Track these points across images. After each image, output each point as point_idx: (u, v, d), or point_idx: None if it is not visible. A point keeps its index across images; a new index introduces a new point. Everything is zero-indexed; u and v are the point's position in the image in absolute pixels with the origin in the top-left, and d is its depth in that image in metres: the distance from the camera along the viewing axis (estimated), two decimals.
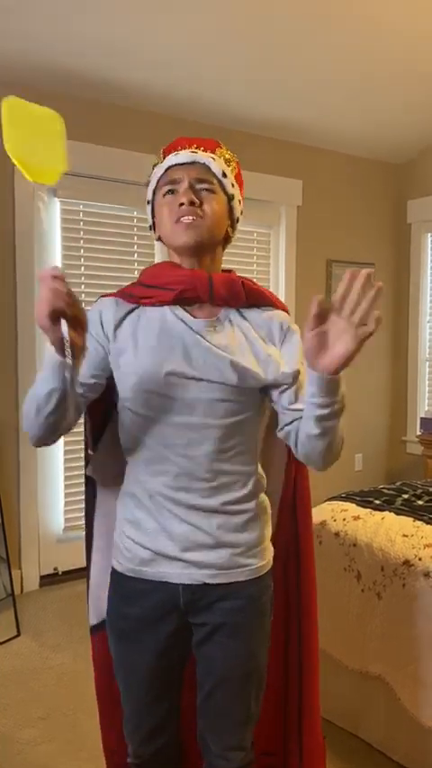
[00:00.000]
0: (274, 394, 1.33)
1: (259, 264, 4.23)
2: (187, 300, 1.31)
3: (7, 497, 3.32)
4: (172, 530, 1.28)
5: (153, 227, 1.39)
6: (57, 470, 3.53)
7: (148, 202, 1.39)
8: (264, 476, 1.40)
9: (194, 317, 1.31)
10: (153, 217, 1.38)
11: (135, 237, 3.68)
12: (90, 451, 1.48)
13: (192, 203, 1.28)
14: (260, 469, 1.39)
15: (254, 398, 1.32)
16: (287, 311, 1.42)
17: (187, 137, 1.42)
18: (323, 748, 1.65)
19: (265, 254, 4.25)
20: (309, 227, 4.37)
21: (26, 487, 3.42)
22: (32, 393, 1.19)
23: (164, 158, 1.37)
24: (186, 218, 1.27)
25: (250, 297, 1.35)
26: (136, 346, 1.29)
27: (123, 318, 1.32)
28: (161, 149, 1.41)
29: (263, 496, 1.38)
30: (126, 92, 3.49)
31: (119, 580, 1.36)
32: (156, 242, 3.66)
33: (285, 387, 1.32)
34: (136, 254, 3.69)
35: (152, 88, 3.50)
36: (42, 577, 3.49)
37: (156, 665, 1.34)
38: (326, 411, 1.19)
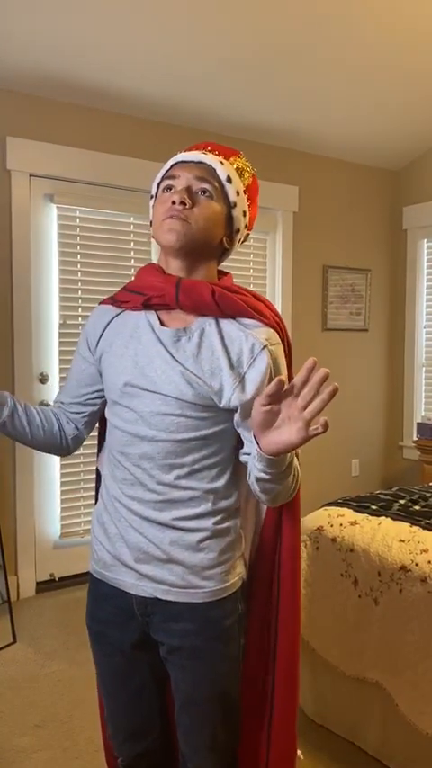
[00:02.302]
0: (234, 417, 1.26)
1: (256, 270, 4.23)
2: (158, 306, 1.29)
3: (4, 503, 3.32)
4: (128, 538, 1.28)
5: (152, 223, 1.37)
6: (53, 477, 3.52)
7: (152, 197, 1.35)
8: (234, 495, 1.32)
9: (164, 326, 1.28)
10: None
11: (132, 243, 3.69)
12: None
13: (182, 203, 1.23)
14: (227, 489, 1.30)
15: (219, 416, 1.25)
16: (276, 324, 1.33)
17: (210, 142, 1.40)
18: None
19: (262, 259, 4.26)
20: (305, 234, 4.38)
21: (23, 494, 3.41)
22: None
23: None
24: (173, 218, 1.24)
25: (223, 306, 1.26)
26: (110, 353, 1.32)
27: (107, 325, 1.35)
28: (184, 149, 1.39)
29: (228, 516, 1.30)
30: (123, 99, 3.51)
31: (91, 580, 1.39)
32: (152, 247, 3.70)
33: (241, 413, 1.24)
34: (132, 261, 3.69)
35: (149, 95, 3.51)
36: (39, 584, 3.48)
37: (126, 668, 1.35)
38: (266, 476, 1.16)
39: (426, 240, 4.72)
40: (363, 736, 2.12)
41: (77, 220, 3.53)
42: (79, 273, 3.55)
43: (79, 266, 3.54)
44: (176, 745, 1.39)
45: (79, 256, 3.54)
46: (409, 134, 4.38)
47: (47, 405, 3.44)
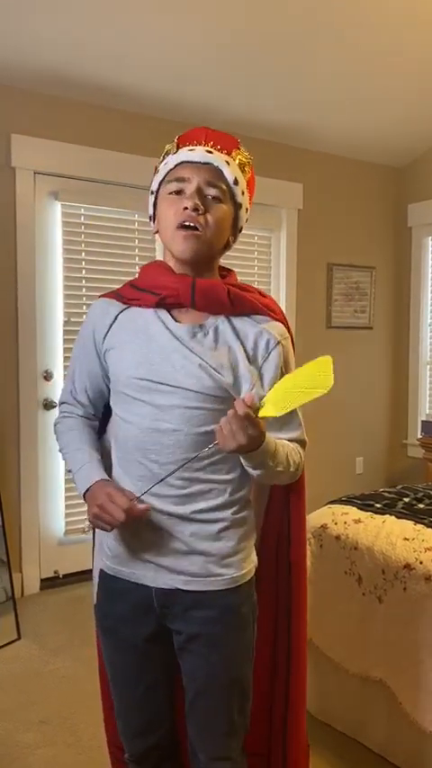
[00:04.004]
0: None
1: (260, 268, 4.23)
2: (171, 305, 1.30)
3: (8, 500, 3.32)
4: (146, 533, 1.29)
5: (153, 217, 1.36)
6: (58, 473, 3.53)
7: (152, 192, 1.35)
8: (246, 486, 1.35)
9: (178, 322, 1.30)
10: (155, 208, 1.35)
11: (136, 241, 3.69)
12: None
13: (196, 209, 1.24)
14: (241, 480, 1.33)
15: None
16: (284, 321, 1.37)
17: (208, 129, 1.35)
18: (307, 754, 1.62)
19: (266, 257, 4.26)
20: (309, 231, 4.38)
21: (27, 490, 3.42)
22: (62, 448, 1.42)
23: (177, 148, 1.32)
24: (188, 223, 1.25)
25: (238, 305, 1.30)
26: (119, 347, 1.33)
27: (114, 320, 1.35)
28: (177, 137, 1.35)
29: (243, 506, 1.34)
30: (127, 96, 3.50)
31: (102, 577, 1.39)
32: (156, 244, 3.70)
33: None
34: (137, 258, 3.69)
35: (153, 92, 3.51)
36: (43, 580, 3.49)
37: (139, 663, 1.36)
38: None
39: (431, 238, 4.70)
40: (367, 733, 2.12)
41: (82, 218, 3.53)
42: (84, 271, 3.55)
43: (83, 264, 3.55)
44: (183, 739, 1.41)
45: (84, 254, 3.54)
46: (414, 131, 4.37)
47: (54, 403, 3.45)
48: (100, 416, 1.45)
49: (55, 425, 1.46)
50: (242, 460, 1.25)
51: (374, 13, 3.12)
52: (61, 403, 1.48)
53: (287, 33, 3.19)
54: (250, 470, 1.27)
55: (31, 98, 3.34)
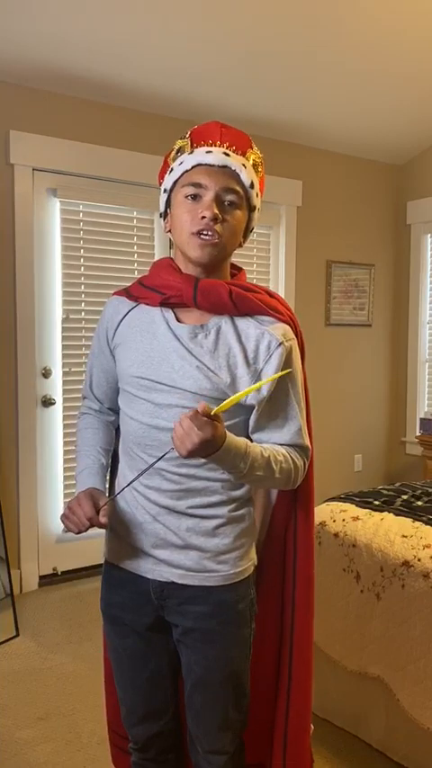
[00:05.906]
0: (252, 414, 1.30)
1: (259, 265, 4.22)
2: (175, 305, 1.31)
3: (7, 497, 3.32)
4: (145, 526, 1.32)
5: (164, 215, 1.36)
6: (56, 471, 3.53)
7: (165, 190, 1.34)
8: (245, 484, 1.35)
9: (181, 322, 1.30)
10: (167, 206, 1.34)
11: (135, 238, 3.68)
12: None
13: (214, 219, 1.24)
14: None
15: (233, 410, 1.25)
16: (290, 319, 1.36)
17: (220, 124, 1.32)
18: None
19: (265, 254, 4.25)
20: (309, 228, 4.37)
21: (25, 487, 3.42)
22: (76, 446, 1.47)
23: (192, 147, 1.30)
24: (206, 233, 1.24)
25: (240, 305, 1.29)
26: (125, 345, 1.35)
27: (123, 318, 1.37)
28: (190, 131, 1.33)
29: (242, 504, 1.35)
30: (127, 93, 3.50)
31: (106, 567, 1.42)
32: (155, 242, 3.70)
33: (257, 409, 1.29)
34: (135, 255, 3.69)
35: (152, 89, 3.50)
36: (41, 578, 3.49)
37: (142, 650, 1.38)
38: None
39: (430, 235, 4.70)
40: (366, 728, 2.13)
41: (80, 215, 3.52)
42: (82, 268, 3.54)
43: (82, 261, 3.54)
44: (185, 728, 1.42)
45: (82, 251, 3.54)
46: (414, 129, 4.37)
47: (52, 401, 3.45)
48: (118, 409, 1.46)
49: (78, 419, 1.52)
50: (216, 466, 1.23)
51: (375, 12, 3.11)
52: (83, 397, 1.52)
53: (287, 31, 3.19)
54: (228, 475, 1.25)
55: (29, 95, 3.33)
